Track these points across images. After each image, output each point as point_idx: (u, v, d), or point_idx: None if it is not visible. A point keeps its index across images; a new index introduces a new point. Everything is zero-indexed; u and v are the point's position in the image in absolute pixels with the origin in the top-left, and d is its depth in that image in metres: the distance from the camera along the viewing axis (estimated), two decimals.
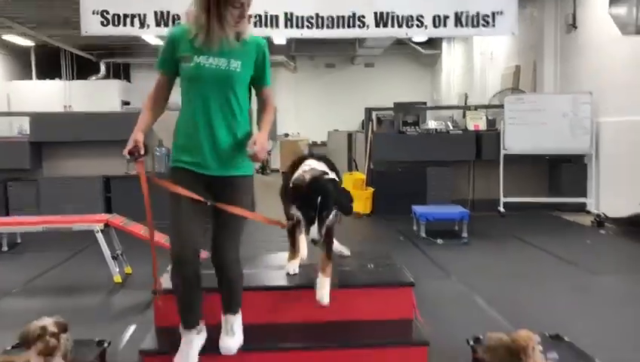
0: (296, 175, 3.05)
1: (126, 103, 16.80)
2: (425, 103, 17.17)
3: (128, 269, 6.13)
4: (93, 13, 8.07)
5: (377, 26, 8.26)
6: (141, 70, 18.00)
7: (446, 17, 8.27)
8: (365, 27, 8.26)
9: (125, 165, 10.07)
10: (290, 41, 15.79)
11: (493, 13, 8.31)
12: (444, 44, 17.01)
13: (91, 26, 8.15)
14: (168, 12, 8.10)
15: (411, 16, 8.24)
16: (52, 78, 16.84)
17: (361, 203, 9.58)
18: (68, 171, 9.84)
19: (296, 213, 3.03)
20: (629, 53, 8.61)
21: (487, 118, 10.71)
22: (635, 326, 4.48)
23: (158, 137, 9.84)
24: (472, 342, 3.71)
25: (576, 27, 9.99)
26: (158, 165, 9.62)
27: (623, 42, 8.62)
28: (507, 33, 8.82)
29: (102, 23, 8.12)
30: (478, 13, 8.28)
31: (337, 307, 3.01)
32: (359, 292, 3.19)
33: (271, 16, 8.15)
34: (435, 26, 8.30)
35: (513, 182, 9.77)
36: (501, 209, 9.60)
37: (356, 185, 9.74)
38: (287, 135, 17.38)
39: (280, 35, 9.01)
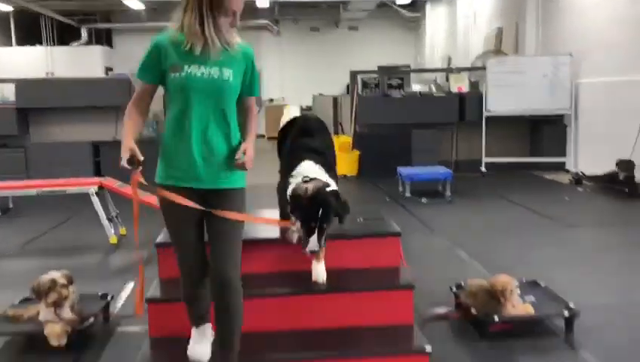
0: (296, 184, 2.94)
1: (109, 69, 16.68)
2: (409, 66, 17.27)
3: (123, 230, 6.29)
4: None
5: None
6: (123, 35, 17.78)
7: None
8: None
9: (113, 130, 10.17)
10: (273, 4, 15.74)
11: None
12: (428, 7, 17.04)
13: None
14: None
15: None
16: (33, 44, 16.62)
17: (348, 165, 9.79)
18: (56, 137, 9.89)
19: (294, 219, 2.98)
20: (609, 14, 8.78)
21: (470, 80, 10.88)
22: (607, 273, 4.77)
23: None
24: (454, 289, 3.98)
25: None
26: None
27: (603, 4, 8.79)
28: None
29: None
30: None
31: (329, 257, 3.20)
32: (350, 243, 3.38)
33: None
34: None
35: (495, 143, 10.03)
36: (483, 169, 9.88)
37: (342, 148, 9.91)
38: (271, 100, 17.42)
39: None
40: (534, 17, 10.82)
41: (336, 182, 3.14)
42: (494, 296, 3.54)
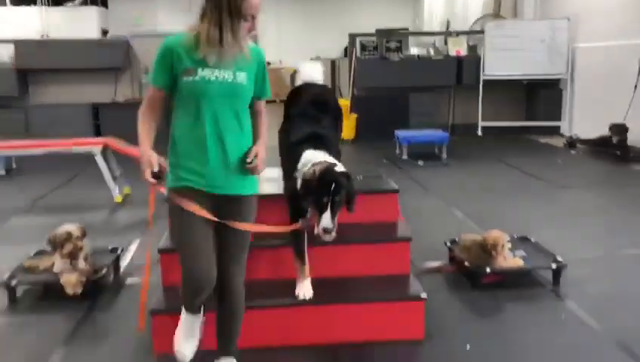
0: (305, 170, 2.88)
1: (105, 32, 16.54)
2: (407, 29, 17.15)
3: (127, 189, 6.44)
4: None
5: None
6: None
7: None
8: None
9: (113, 92, 10.23)
10: None
11: None
12: None
13: None
14: None
15: None
16: (27, 4, 16.43)
17: (346, 129, 9.89)
18: (55, 99, 9.95)
19: (308, 208, 2.87)
20: None
21: (468, 44, 10.92)
22: (595, 231, 4.98)
23: (144, 64, 9.94)
24: (449, 244, 4.17)
25: None
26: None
27: None
28: None
29: None
30: None
31: None
32: None
33: None
34: None
35: (492, 107, 10.15)
36: (479, 132, 10.02)
37: None
38: (269, 63, 17.37)
39: None
40: None
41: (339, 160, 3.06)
42: (486, 250, 3.74)
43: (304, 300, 3.04)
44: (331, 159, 2.94)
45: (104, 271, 3.82)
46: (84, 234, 3.80)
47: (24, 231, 5.33)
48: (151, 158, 2.40)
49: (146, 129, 2.48)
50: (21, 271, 3.82)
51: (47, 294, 3.77)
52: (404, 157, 8.29)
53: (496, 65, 9.93)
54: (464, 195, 6.23)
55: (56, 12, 16.45)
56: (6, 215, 5.79)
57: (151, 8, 15.41)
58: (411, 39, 12.71)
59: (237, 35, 2.40)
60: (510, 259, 3.78)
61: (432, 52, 11.07)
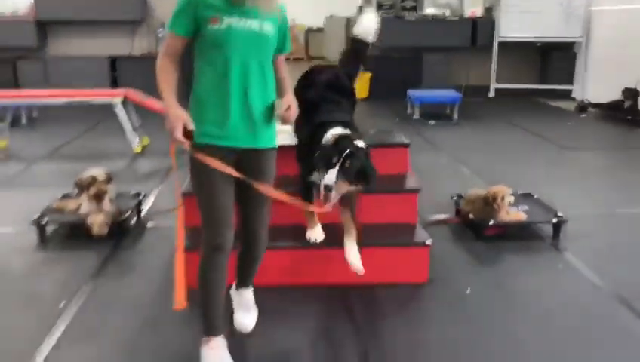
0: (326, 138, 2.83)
1: None
2: None
3: (146, 140, 6.64)
4: None
5: None
6: None
7: None
8: None
9: (130, 45, 10.34)
10: None
11: None
12: None
13: None
14: None
15: None
16: None
17: (359, 87, 9.98)
18: (73, 50, 10.10)
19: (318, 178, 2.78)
20: None
21: (484, 5, 10.84)
22: (598, 190, 5.14)
23: (160, 18, 10.00)
24: (455, 197, 4.36)
25: None
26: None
27: None
28: None
29: None
30: None
31: None
32: None
33: None
34: None
35: (505, 69, 10.18)
36: (491, 94, 10.08)
37: None
38: None
39: None
40: None
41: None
42: (489, 203, 3.92)
43: (316, 243, 3.24)
44: (356, 137, 2.86)
45: (128, 213, 4.05)
46: (109, 179, 4.02)
47: (48, 176, 5.57)
48: (182, 116, 2.31)
49: (168, 83, 2.37)
50: (50, 211, 4.06)
51: (75, 234, 4.01)
52: (416, 116, 8.40)
53: (511, 27, 9.91)
54: (473, 154, 6.37)
55: None
56: (30, 161, 6.04)
57: None
58: None
59: None
60: (512, 213, 3.96)
61: (447, 12, 11.01)
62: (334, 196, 2.73)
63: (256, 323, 2.87)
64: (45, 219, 3.92)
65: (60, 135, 7.18)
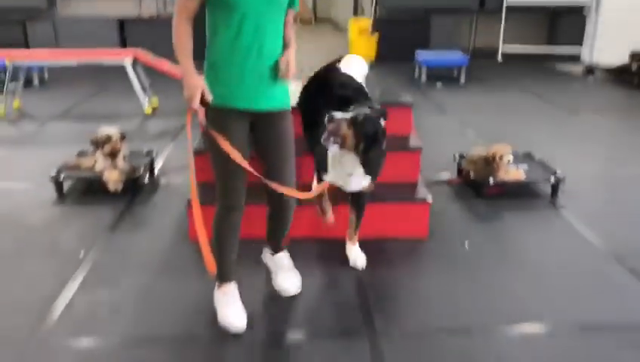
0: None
1: None
2: None
3: (155, 100, 6.76)
4: None
5: None
6: None
7: None
8: None
9: (138, 7, 10.36)
10: None
11: None
12: None
13: None
14: None
15: None
16: None
17: (366, 49, 10.00)
18: (82, 11, 10.14)
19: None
20: None
21: None
22: (598, 151, 5.24)
23: None
24: (457, 158, 4.48)
25: None
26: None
27: None
28: None
29: None
30: None
31: None
32: None
33: None
34: None
35: (513, 32, 10.14)
36: (499, 57, 10.07)
37: (362, 32, 10.08)
38: None
39: None
40: None
41: None
42: (489, 162, 4.04)
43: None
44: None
45: (141, 170, 4.20)
46: (123, 137, 4.16)
47: (62, 135, 5.73)
48: (200, 86, 2.36)
49: (186, 49, 2.38)
50: (66, 168, 4.22)
51: (90, 190, 4.19)
52: (423, 79, 8.45)
53: None
54: (477, 116, 6.46)
55: None
56: (43, 121, 6.19)
57: None
58: None
59: None
60: (512, 172, 4.08)
61: None
62: (335, 130, 2.62)
63: (260, 272, 3.03)
64: (62, 176, 4.08)
65: (71, 95, 7.31)
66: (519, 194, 4.13)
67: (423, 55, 8.67)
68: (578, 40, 10.01)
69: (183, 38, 2.38)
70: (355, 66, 3.36)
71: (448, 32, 10.13)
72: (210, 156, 2.53)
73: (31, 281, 3.02)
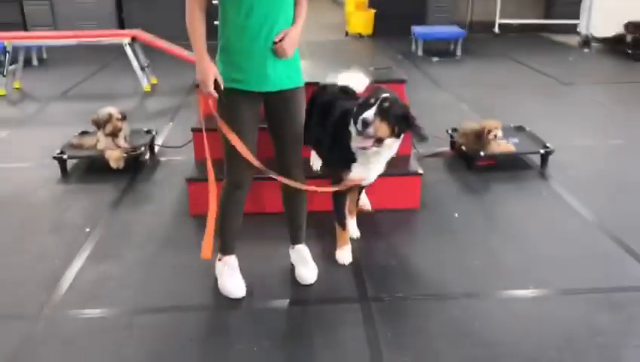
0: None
1: None
2: None
3: (154, 80, 6.85)
4: None
5: None
6: None
7: None
8: None
9: None
10: None
11: None
12: None
13: None
14: None
15: None
16: None
17: (363, 24, 10.02)
18: None
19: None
20: None
21: None
22: (590, 123, 5.34)
23: None
24: (450, 131, 4.58)
25: None
26: None
27: None
28: None
29: None
30: None
31: None
32: None
33: None
34: None
35: (510, 4, 10.12)
36: (496, 30, 10.08)
37: (358, 6, 10.09)
38: None
39: None
40: None
41: None
42: (480, 136, 4.15)
43: (318, 172, 3.51)
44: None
45: (142, 148, 4.32)
46: (124, 117, 4.27)
47: (63, 115, 5.83)
48: (213, 71, 2.43)
49: (199, 33, 2.44)
50: (69, 147, 4.34)
51: (93, 168, 4.31)
52: (420, 53, 8.51)
53: None
54: (473, 90, 6.54)
55: None
56: (44, 101, 6.29)
57: None
58: None
59: None
60: (503, 145, 4.19)
61: None
62: (373, 132, 2.62)
63: (259, 245, 3.18)
64: (66, 155, 4.20)
65: (71, 75, 7.39)
66: (510, 166, 4.25)
67: (419, 29, 8.71)
68: (575, 11, 10.02)
69: (195, 23, 2.44)
70: (354, 80, 3.28)
71: (445, 6, 10.12)
72: (221, 135, 2.59)
73: (39, 256, 3.16)
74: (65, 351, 2.43)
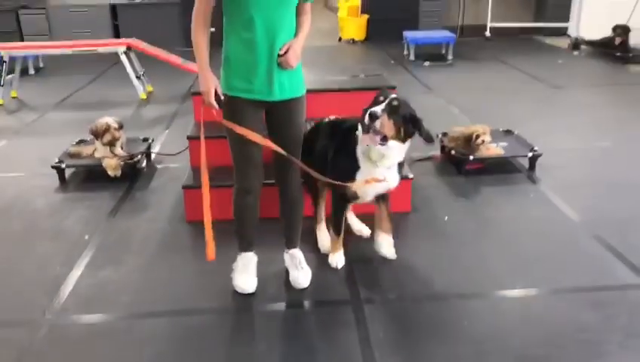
0: None
1: None
2: None
3: (150, 88, 6.93)
4: None
5: None
6: None
7: None
8: None
9: None
10: None
11: None
12: None
13: None
14: None
15: None
16: None
17: (356, 29, 10.14)
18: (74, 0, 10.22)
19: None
20: None
21: None
22: (578, 126, 5.44)
23: None
24: (440, 135, 4.68)
25: None
26: None
27: None
28: None
29: None
30: None
31: (335, 106, 3.81)
32: (351, 95, 4.01)
33: None
34: None
35: (501, 8, 10.25)
36: (487, 34, 10.20)
37: (351, 12, 10.20)
38: None
39: None
40: None
41: None
42: (468, 140, 4.25)
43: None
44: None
45: (139, 156, 4.41)
46: (121, 126, 4.35)
47: (59, 123, 5.91)
48: (214, 82, 2.57)
49: (202, 46, 2.55)
50: (67, 156, 4.42)
51: (91, 176, 4.39)
52: (412, 57, 8.62)
53: None
54: (463, 94, 6.65)
55: None
56: (41, 110, 6.37)
57: None
58: None
59: None
60: (492, 149, 4.29)
61: None
62: (379, 127, 2.65)
63: (262, 247, 3.20)
64: (64, 164, 4.28)
65: (68, 84, 7.46)
66: (498, 169, 4.35)
67: (410, 34, 8.82)
68: (565, 13, 10.17)
69: (199, 36, 2.57)
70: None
71: (436, 10, 10.24)
72: (229, 143, 2.70)
73: (40, 263, 3.24)
74: (67, 356, 2.51)
